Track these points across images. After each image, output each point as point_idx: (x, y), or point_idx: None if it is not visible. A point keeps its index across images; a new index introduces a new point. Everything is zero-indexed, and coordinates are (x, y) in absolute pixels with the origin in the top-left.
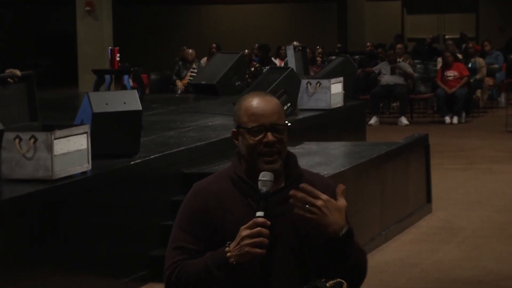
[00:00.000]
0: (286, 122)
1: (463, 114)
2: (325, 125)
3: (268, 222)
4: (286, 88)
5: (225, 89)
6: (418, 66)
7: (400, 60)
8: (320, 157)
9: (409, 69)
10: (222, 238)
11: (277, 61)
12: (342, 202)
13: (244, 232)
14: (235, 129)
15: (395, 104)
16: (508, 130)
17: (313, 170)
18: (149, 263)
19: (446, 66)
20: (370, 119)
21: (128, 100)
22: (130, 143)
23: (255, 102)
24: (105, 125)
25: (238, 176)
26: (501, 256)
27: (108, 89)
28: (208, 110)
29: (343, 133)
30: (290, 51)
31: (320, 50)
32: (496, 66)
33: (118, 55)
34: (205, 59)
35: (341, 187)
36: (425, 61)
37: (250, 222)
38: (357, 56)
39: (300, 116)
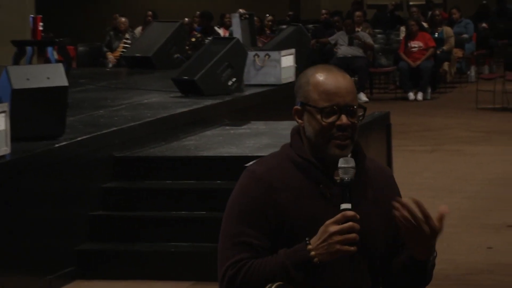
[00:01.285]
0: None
1: (429, 90)
2: (275, 102)
3: (358, 216)
4: (231, 61)
5: (162, 62)
6: (379, 36)
7: (359, 30)
8: (269, 138)
9: (369, 40)
10: (290, 232)
11: (221, 31)
12: (441, 227)
13: (332, 227)
14: (298, 107)
15: (353, 78)
16: (479, 108)
17: (261, 153)
18: (77, 258)
19: (410, 36)
20: None
21: (52, 74)
22: (54, 123)
23: (329, 77)
24: (26, 103)
25: (305, 160)
26: (471, 248)
27: (30, 62)
28: (143, 86)
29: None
30: (235, 20)
31: (269, 18)
32: (465, 36)
33: (41, 24)
34: (139, 28)
35: (444, 211)
36: (386, 31)
37: (338, 216)
38: (311, 25)
39: (247, 93)
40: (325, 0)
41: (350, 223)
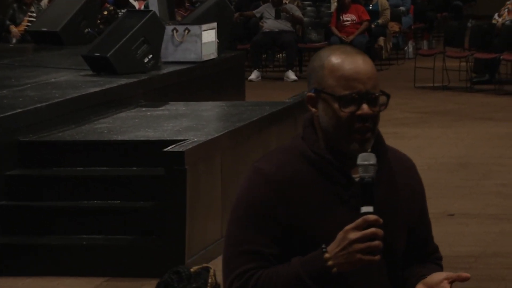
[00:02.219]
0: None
1: None
2: (196, 82)
3: (381, 220)
4: (147, 36)
5: (72, 37)
6: (308, 8)
7: (287, 2)
8: (190, 121)
9: (298, 13)
10: (303, 238)
11: (136, 3)
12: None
13: (352, 234)
14: (312, 93)
15: (280, 55)
16: (417, 86)
17: (181, 136)
18: None
19: (342, 8)
20: (251, 73)
21: None
22: None
23: (347, 60)
24: None
25: (320, 156)
26: None
27: None
28: (51, 64)
29: (217, 91)
30: None
31: None
32: (402, 8)
33: None
34: (46, 0)
35: (466, 277)
36: (316, 3)
37: (359, 221)
38: None
39: (165, 71)
40: None
41: (372, 229)
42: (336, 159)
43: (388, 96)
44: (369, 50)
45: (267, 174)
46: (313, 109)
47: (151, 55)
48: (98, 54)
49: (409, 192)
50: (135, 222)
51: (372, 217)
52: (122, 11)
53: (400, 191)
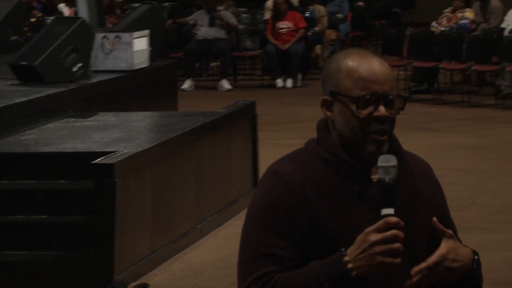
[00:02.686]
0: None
1: (299, 76)
2: (126, 91)
3: (402, 223)
4: (76, 44)
5: None
6: (243, 15)
7: (221, 9)
8: (120, 132)
9: (233, 20)
10: (323, 240)
11: (65, 10)
12: (449, 234)
13: (373, 236)
14: (328, 97)
15: (215, 63)
16: None
17: (111, 148)
18: None
19: (278, 16)
20: (184, 82)
21: None
22: None
23: (363, 62)
24: None
25: (337, 157)
26: None
27: None
28: None
29: (149, 100)
30: None
31: None
32: (339, 15)
33: None
34: None
35: (435, 221)
36: (252, 10)
37: (380, 223)
38: (167, 4)
39: (94, 80)
40: None
41: (393, 231)
42: (354, 160)
43: (405, 99)
44: (306, 58)
45: (284, 176)
46: (329, 113)
47: (80, 64)
48: (25, 63)
49: (429, 195)
50: (62, 237)
51: (394, 219)
52: (51, 18)
53: (419, 194)
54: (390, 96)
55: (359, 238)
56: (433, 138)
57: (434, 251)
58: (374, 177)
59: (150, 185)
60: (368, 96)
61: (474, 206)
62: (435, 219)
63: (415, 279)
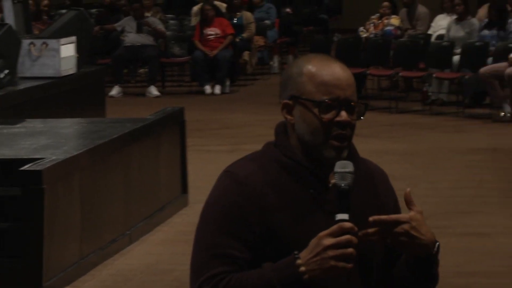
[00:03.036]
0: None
1: (227, 83)
2: (54, 98)
3: (356, 228)
4: (3, 51)
5: None
6: (171, 22)
7: (149, 15)
8: (47, 138)
9: (160, 26)
10: (276, 243)
11: None
12: (418, 210)
13: (326, 240)
14: (288, 100)
15: (143, 70)
16: None
17: (38, 155)
18: None
19: (206, 22)
20: (112, 89)
21: None
22: None
23: (326, 67)
24: None
25: (294, 161)
26: None
27: None
28: None
29: (76, 107)
30: (7, 3)
31: (45, 2)
32: (267, 22)
33: None
34: None
35: (408, 193)
36: (179, 16)
37: (334, 227)
38: (94, 10)
39: (21, 86)
40: None
41: (347, 236)
42: (310, 164)
43: (365, 106)
44: (234, 64)
45: (240, 178)
46: (289, 117)
47: (7, 70)
48: None
49: (384, 201)
50: None
51: (348, 224)
52: None
53: (375, 201)
54: (352, 102)
55: (313, 242)
56: (361, 143)
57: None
58: (331, 182)
59: (78, 191)
60: (330, 101)
61: (402, 211)
62: (408, 190)
63: (370, 230)
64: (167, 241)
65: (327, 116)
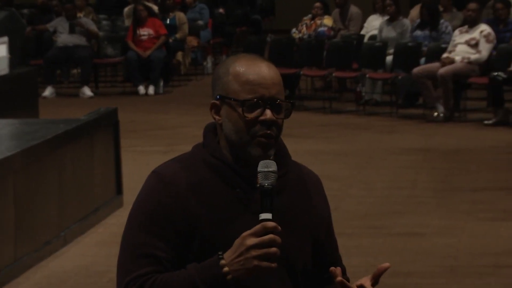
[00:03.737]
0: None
1: (161, 83)
2: None
3: (279, 228)
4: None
5: None
6: (104, 22)
7: (81, 15)
8: None
9: (93, 27)
10: (202, 243)
11: None
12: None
13: (249, 240)
14: (216, 100)
15: (76, 70)
16: None
17: None
18: None
19: (139, 22)
20: (44, 90)
21: None
22: None
23: (251, 67)
24: None
25: (220, 161)
26: None
27: None
28: None
29: (9, 108)
30: None
31: None
32: (200, 22)
33: None
34: None
35: (384, 268)
36: (112, 16)
37: (257, 227)
38: (26, 10)
39: None
40: None
41: (270, 236)
42: (238, 165)
43: (292, 104)
44: (167, 65)
45: (165, 178)
46: (217, 117)
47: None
48: None
49: (314, 205)
50: None
51: (271, 223)
52: None
53: (303, 203)
54: (278, 101)
55: (236, 242)
56: (295, 144)
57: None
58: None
59: (12, 193)
60: (254, 100)
61: (337, 211)
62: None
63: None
64: (102, 242)
65: (252, 115)
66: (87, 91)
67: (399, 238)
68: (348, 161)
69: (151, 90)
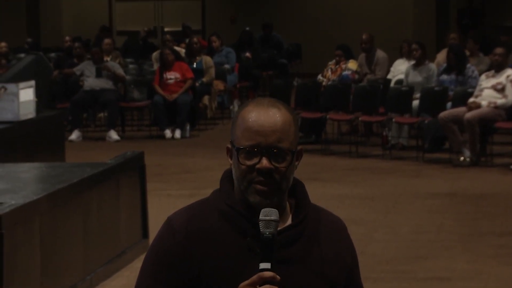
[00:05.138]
0: (293, 146)
1: (187, 127)
2: (12, 142)
3: (278, 277)
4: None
5: None
6: (130, 66)
7: (108, 59)
8: (6, 183)
9: (120, 70)
10: None
11: None
12: None
13: None
14: (229, 145)
15: (102, 114)
16: None
17: None
18: None
19: (165, 66)
20: (71, 133)
21: None
22: None
23: (255, 113)
24: None
25: (231, 208)
26: None
27: None
28: None
29: (35, 151)
30: None
31: (3, 45)
32: (227, 66)
33: None
34: None
35: None
36: (139, 60)
37: (254, 277)
38: (53, 54)
39: None
40: (68, 25)
41: (266, 286)
42: (248, 211)
43: (292, 153)
44: (194, 109)
45: (175, 226)
46: (230, 161)
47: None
48: None
49: (336, 253)
50: None
51: (268, 273)
52: None
53: (321, 250)
54: (275, 149)
55: None
56: (321, 188)
57: None
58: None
59: (38, 236)
60: (248, 148)
61: (363, 256)
62: None
63: None
64: (128, 286)
65: (248, 162)
66: (113, 135)
67: (425, 282)
68: (374, 206)
69: (177, 134)
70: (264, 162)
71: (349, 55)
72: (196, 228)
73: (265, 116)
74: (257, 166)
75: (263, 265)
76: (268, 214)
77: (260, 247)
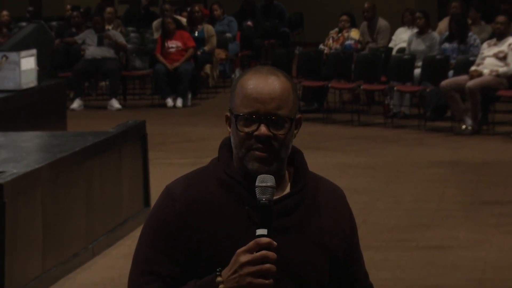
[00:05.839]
0: (292, 113)
1: (189, 96)
2: (14, 111)
3: (275, 243)
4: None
5: None
6: (132, 35)
7: (110, 28)
8: (8, 152)
9: (121, 39)
10: (208, 261)
11: None
12: None
13: (243, 257)
14: (228, 113)
15: (104, 83)
16: None
17: None
18: None
19: (167, 35)
20: (73, 102)
21: None
22: None
23: (254, 81)
24: None
25: (230, 177)
26: None
27: None
28: None
29: (37, 120)
30: None
31: (5, 14)
32: (229, 35)
33: None
34: None
35: None
36: (140, 29)
37: (251, 244)
38: (54, 23)
39: None
40: None
41: (263, 252)
42: (246, 180)
43: (291, 120)
44: (195, 78)
45: (173, 195)
46: (229, 129)
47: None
48: None
49: (335, 221)
50: None
51: (264, 239)
52: None
53: (319, 219)
54: (273, 116)
55: (233, 258)
56: (323, 157)
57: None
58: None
59: (40, 205)
60: (247, 115)
61: (365, 224)
62: None
63: None
64: (130, 255)
65: (246, 129)
66: (115, 104)
67: (427, 251)
68: (376, 174)
69: (179, 102)
70: (263, 129)
71: (352, 24)
72: (195, 197)
73: (263, 83)
74: (256, 133)
75: (260, 231)
76: (264, 180)
77: (258, 215)
